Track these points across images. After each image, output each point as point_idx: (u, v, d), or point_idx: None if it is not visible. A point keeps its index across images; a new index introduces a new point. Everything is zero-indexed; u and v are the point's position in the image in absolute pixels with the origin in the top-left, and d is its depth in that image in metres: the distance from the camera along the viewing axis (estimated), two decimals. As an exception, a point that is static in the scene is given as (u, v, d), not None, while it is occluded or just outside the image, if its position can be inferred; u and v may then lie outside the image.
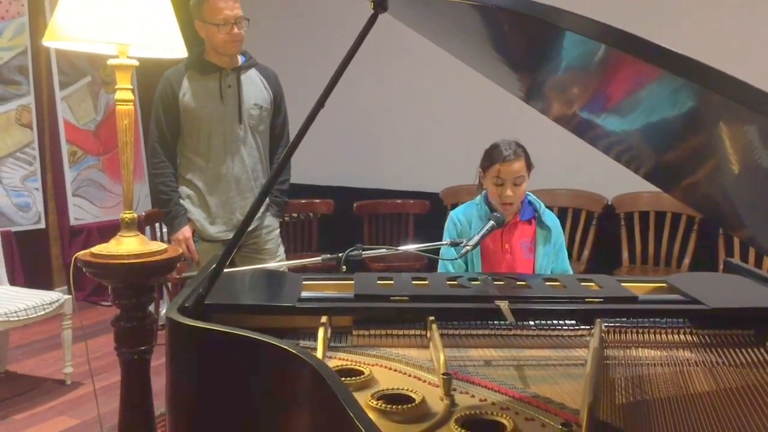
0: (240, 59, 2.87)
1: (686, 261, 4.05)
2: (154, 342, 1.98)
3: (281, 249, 3.01)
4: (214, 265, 1.88)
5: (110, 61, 1.81)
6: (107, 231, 5.21)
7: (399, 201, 4.66)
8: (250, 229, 2.91)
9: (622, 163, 1.65)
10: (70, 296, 3.63)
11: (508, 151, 2.35)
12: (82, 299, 5.09)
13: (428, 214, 4.62)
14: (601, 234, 4.20)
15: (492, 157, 2.38)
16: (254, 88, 2.88)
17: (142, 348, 1.91)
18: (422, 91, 4.71)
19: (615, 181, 4.21)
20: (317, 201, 4.58)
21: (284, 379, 1.27)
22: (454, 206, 4.56)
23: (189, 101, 2.77)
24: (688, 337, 1.67)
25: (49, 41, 1.76)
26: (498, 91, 4.83)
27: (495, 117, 4.59)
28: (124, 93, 1.85)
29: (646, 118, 1.28)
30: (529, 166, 2.40)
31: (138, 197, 5.50)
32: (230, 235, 2.87)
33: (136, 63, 1.84)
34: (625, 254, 4.21)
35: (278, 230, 3.02)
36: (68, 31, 1.70)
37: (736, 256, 3.90)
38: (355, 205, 4.56)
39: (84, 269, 1.85)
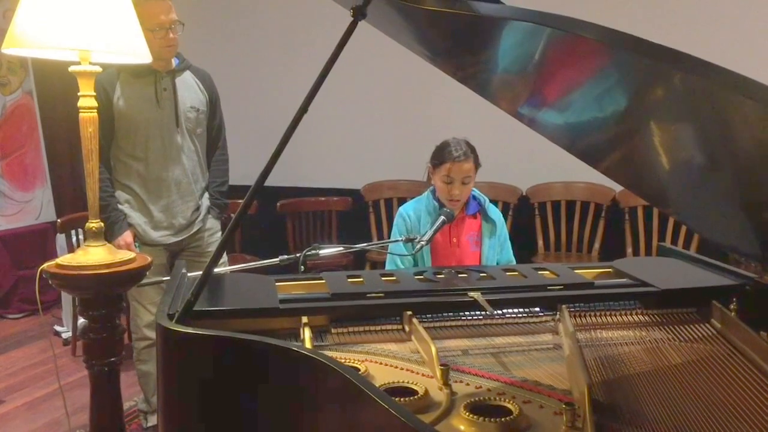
0: (173, 62, 2.82)
1: (596, 246, 4.31)
2: (123, 352, 1.94)
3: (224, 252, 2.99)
4: (182, 272, 1.89)
5: (72, 68, 1.75)
6: (10, 240, 4.96)
7: (322, 198, 4.69)
8: (192, 232, 2.89)
9: (550, 138, 1.76)
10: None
11: (459, 151, 2.45)
12: (-14, 313, 4.83)
13: (351, 210, 4.69)
14: (517, 224, 4.39)
15: (443, 156, 2.47)
16: (190, 91, 2.84)
17: (113, 359, 1.87)
18: (340, 88, 4.72)
19: (528, 173, 4.43)
20: (239, 201, 4.52)
21: (302, 382, 1.30)
22: (375, 202, 4.68)
23: (124, 106, 2.70)
24: (641, 318, 1.81)
25: (9, 48, 1.68)
26: (415, 88, 4.96)
27: (413, 113, 4.70)
28: (87, 100, 1.79)
29: (576, 94, 1.42)
30: (477, 165, 2.51)
31: (41, 203, 5.25)
32: (172, 239, 2.84)
33: (99, 69, 1.79)
34: (540, 242, 4.43)
35: (220, 232, 3.00)
36: (29, 38, 1.63)
37: (641, 240, 4.20)
38: (278, 204, 4.55)
39: (50, 281, 1.79)
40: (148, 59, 1.93)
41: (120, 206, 2.77)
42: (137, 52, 1.81)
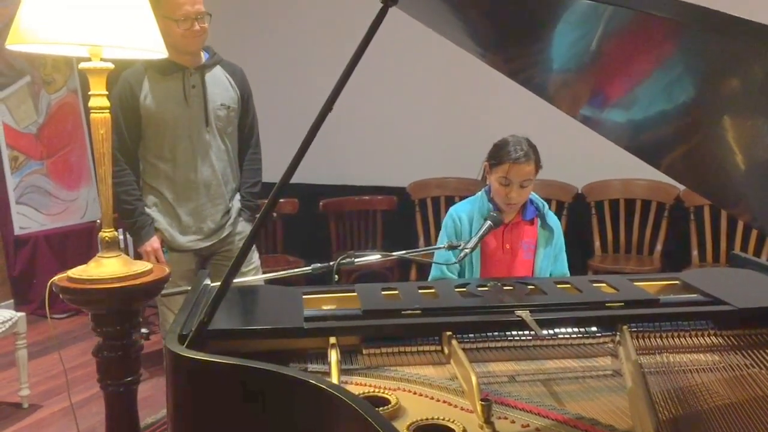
0: (203, 56, 2.68)
1: (658, 248, 4.04)
2: (140, 371, 1.80)
3: (255, 255, 2.85)
4: (204, 283, 1.74)
5: (82, 65, 1.62)
6: (55, 240, 4.94)
7: (366, 197, 4.51)
8: (222, 236, 2.75)
9: (606, 135, 1.54)
10: (23, 314, 3.40)
11: (519, 152, 2.22)
12: (31, 313, 4.81)
13: (396, 209, 4.50)
14: (572, 224, 4.15)
15: (501, 155, 2.25)
16: (220, 88, 2.70)
17: (129, 379, 1.73)
18: (385, 84, 4.57)
19: (584, 169, 4.17)
20: (281, 200, 4.40)
21: (317, 417, 1.14)
22: (422, 201, 4.48)
23: (151, 104, 2.58)
24: (715, 340, 1.59)
25: (13, 44, 1.55)
26: (463, 79, 4.70)
27: (460, 106, 4.50)
28: (99, 99, 1.65)
29: (645, 87, 1.21)
30: (538, 167, 2.29)
31: (86, 202, 5.23)
32: (201, 245, 2.71)
33: (111, 66, 1.65)
34: (597, 243, 4.18)
35: (252, 236, 2.85)
36: (35, 33, 1.50)
37: (707, 243, 3.90)
38: (321, 203, 4.40)
39: (61, 296, 1.67)
40: (164, 54, 1.79)
41: (148, 209, 2.65)
42: (152, 46, 1.66)
